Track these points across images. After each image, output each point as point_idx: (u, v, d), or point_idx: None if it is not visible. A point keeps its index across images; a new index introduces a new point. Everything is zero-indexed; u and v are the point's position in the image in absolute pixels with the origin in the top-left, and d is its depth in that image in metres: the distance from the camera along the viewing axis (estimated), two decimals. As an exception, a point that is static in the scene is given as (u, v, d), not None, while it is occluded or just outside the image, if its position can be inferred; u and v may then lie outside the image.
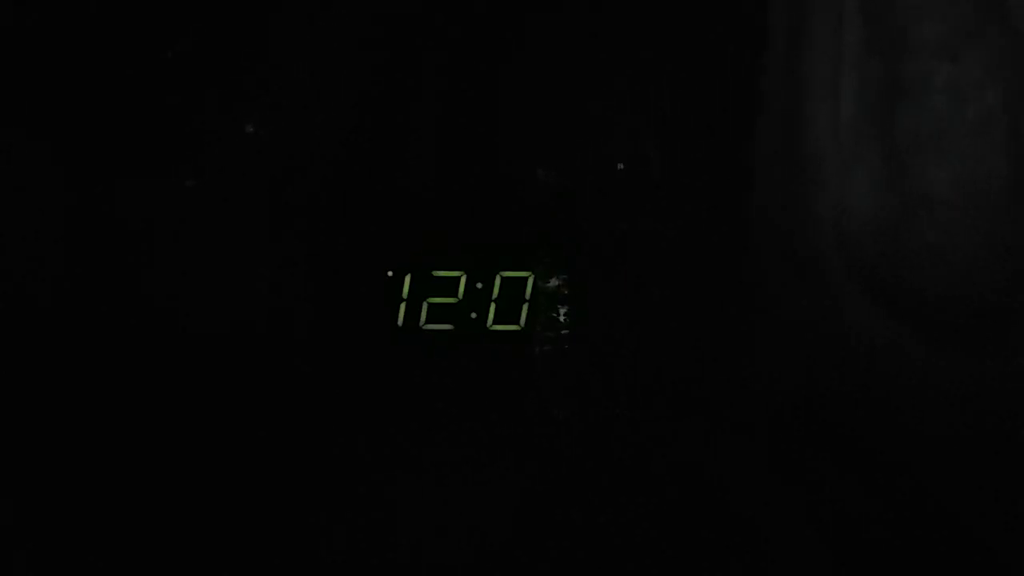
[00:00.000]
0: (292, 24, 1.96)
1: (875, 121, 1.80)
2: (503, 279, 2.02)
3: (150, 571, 1.92)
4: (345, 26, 1.96)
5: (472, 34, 1.96)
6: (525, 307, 2.03)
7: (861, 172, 1.79)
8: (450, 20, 1.94)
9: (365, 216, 1.99)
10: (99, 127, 1.95)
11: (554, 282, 2.01)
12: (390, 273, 2.01)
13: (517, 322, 2.03)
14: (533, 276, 2.01)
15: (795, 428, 1.88)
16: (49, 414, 1.94)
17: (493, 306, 2.03)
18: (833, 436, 1.86)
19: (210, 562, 1.92)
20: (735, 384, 1.90)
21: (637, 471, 1.96)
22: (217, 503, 1.95)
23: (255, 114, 1.98)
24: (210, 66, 1.96)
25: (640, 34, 1.94)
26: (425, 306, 2.03)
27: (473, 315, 2.03)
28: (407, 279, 2.02)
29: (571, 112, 1.97)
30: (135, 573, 1.92)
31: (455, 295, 2.03)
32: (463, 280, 2.02)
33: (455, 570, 1.93)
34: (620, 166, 1.98)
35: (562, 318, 2.00)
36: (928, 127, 1.76)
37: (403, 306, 2.03)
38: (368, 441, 1.97)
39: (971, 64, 1.75)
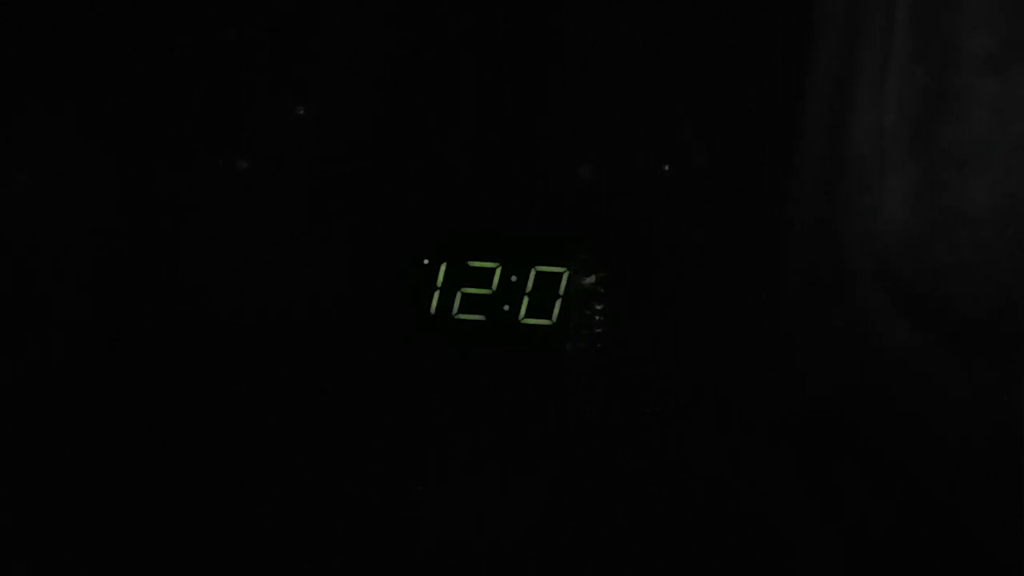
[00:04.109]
0: (341, 6, 1.96)
1: (918, 132, 1.77)
2: (538, 273, 2.01)
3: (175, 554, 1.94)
4: (398, 11, 1.97)
5: (519, 30, 1.96)
6: (559, 303, 2.01)
7: (900, 183, 1.76)
8: (498, 12, 1.94)
9: (403, 202, 1.99)
10: (151, 107, 1.97)
11: (590, 279, 1.99)
12: (426, 261, 2.01)
13: (550, 317, 2.01)
14: (569, 272, 2.00)
15: (820, 436, 1.85)
16: (89, 399, 1.98)
17: (526, 300, 2.02)
18: (857, 446, 1.83)
19: (235, 547, 1.94)
20: (763, 389, 1.88)
21: (663, 474, 1.94)
22: (248, 490, 1.97)
23: (307, 95, 1.99)
24: (263, 48, 1.97)
25: (687, 34, 1.92)
26: (458, 296, 2.03)
27: (506, 307, 2.02)
28: (442, 268, 2.02)
29: (617, 111, 1.96)
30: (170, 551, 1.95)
31: (489, 286, 2.02)
32: (498, 272, 2.01)
33: (476, 568, 1.93)
34: (666, 167, 1.96)
35: (596, 316, 1.99)
36: (971, 142, 1.72)
37: (436, 295, 2.02)
38: (391, 432, 1.97)
39: (1019, 80, 1.71)
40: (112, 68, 1.94)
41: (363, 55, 1.95)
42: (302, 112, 1.98)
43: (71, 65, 1.94)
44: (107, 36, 1.94)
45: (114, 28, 1.94)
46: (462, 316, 2.03)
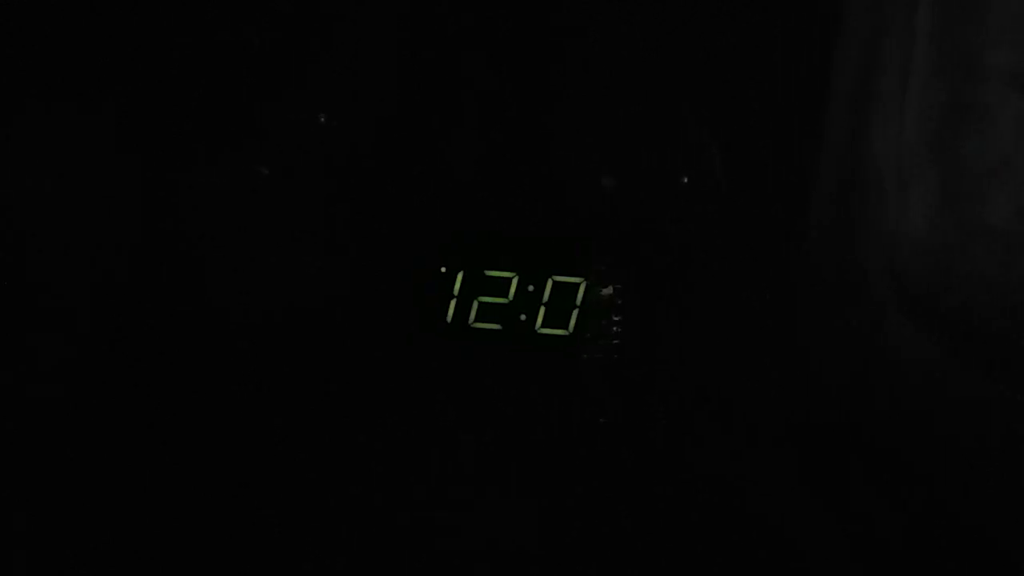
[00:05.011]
0: (343, 7, 1.97)
1: (938, 145, 1.76)
2: (555, 283, 2.00)
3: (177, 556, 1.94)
4: (418, 21, 1.97)
5: (533, 40, 1.96)
6: (575, 312, 2.01)
7: (920, 195, 1.76)
8: (510, 20, 1.94)
9: (407, 204, 1.99)
10: (150, 108, 1.97)
11: (607, 290, 1.99)
12: (443, 269, 2.00)
13: (566, 327, 2.01)
14: (586, 281, 1.99)
15: (832, 445, 1.84)
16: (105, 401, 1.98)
17: (543, 309, 2.01)
18: (868, 455, 1.82)
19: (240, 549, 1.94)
20: (777, 397, 1.87)
21: (678, 480, 1.93)
22: (259, 491, 1.96)
23: (309, 97, 1.99)
24: (264, 49, 1.97)
25: (709, 46, 1.92)
26: (475, 305, 2.02)
27: (522, 317, 2.02)
28: (459, 276, 2.01)
29: (636, 120, 1.96)
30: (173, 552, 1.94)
31: (506, 296, 2.02)
32: (515, 281, 2.01)
33: (481, 569, 1.92)
34: (685, 179, 1.95)
35: (612, 326, 1.98)
36: (991, 156, 1.72)
37: (453, 303, 2.02)
38: (395, 434, 1.97)
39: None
40: (111, 69, 1.94)
41: (366, 56, 1.95)
42: (323, 119, 1.99)
43: (72, 66, 1.95)
44: (107, 36, 1.94)
45: (113, 28, 1.94)
46: (478, 325, 2.02)
